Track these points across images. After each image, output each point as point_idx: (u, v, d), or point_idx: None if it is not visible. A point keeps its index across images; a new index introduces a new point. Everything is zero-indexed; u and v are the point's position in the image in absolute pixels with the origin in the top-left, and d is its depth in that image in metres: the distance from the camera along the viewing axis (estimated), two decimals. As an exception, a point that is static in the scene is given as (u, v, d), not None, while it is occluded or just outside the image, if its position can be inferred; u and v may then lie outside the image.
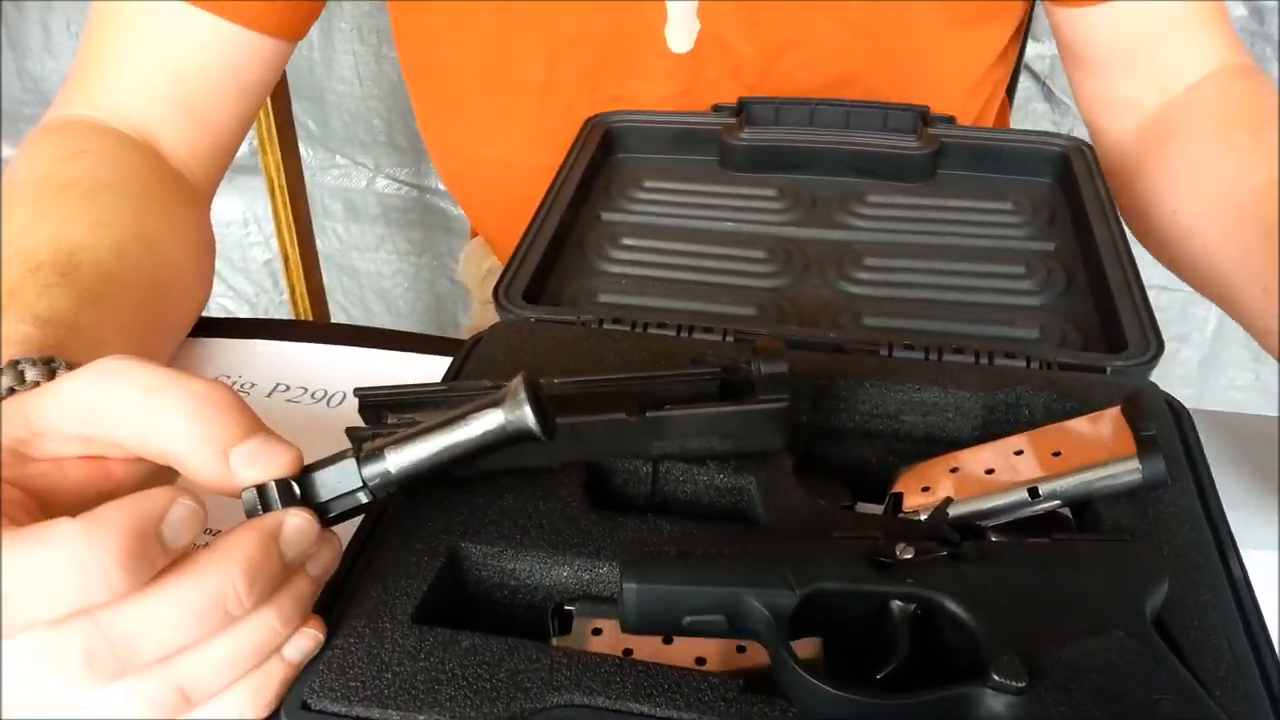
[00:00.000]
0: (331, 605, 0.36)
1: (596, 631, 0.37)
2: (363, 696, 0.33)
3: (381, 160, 1.55)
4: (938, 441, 0.46)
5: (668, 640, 0.37)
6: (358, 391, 0.40)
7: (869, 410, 0.47)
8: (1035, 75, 1.37)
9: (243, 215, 1.60)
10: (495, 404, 0.35)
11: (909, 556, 0.33)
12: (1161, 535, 0.38)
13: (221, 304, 1.72)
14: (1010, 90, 0.92)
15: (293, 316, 1.30)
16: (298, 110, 1.37)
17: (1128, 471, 0.38)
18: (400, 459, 0.35)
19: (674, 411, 0.39)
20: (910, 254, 0.60)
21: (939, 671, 0.31)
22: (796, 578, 0.32)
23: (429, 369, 0.57)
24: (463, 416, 0.35)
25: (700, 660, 0.36)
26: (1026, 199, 0.64)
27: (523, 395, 0.35)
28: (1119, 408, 0.40)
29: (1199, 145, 0.65)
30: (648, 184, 0.67)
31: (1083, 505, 0.40)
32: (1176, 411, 0.46)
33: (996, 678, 0.29)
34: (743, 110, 0.69)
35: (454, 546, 0.38)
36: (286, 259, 1.23)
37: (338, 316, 1.62)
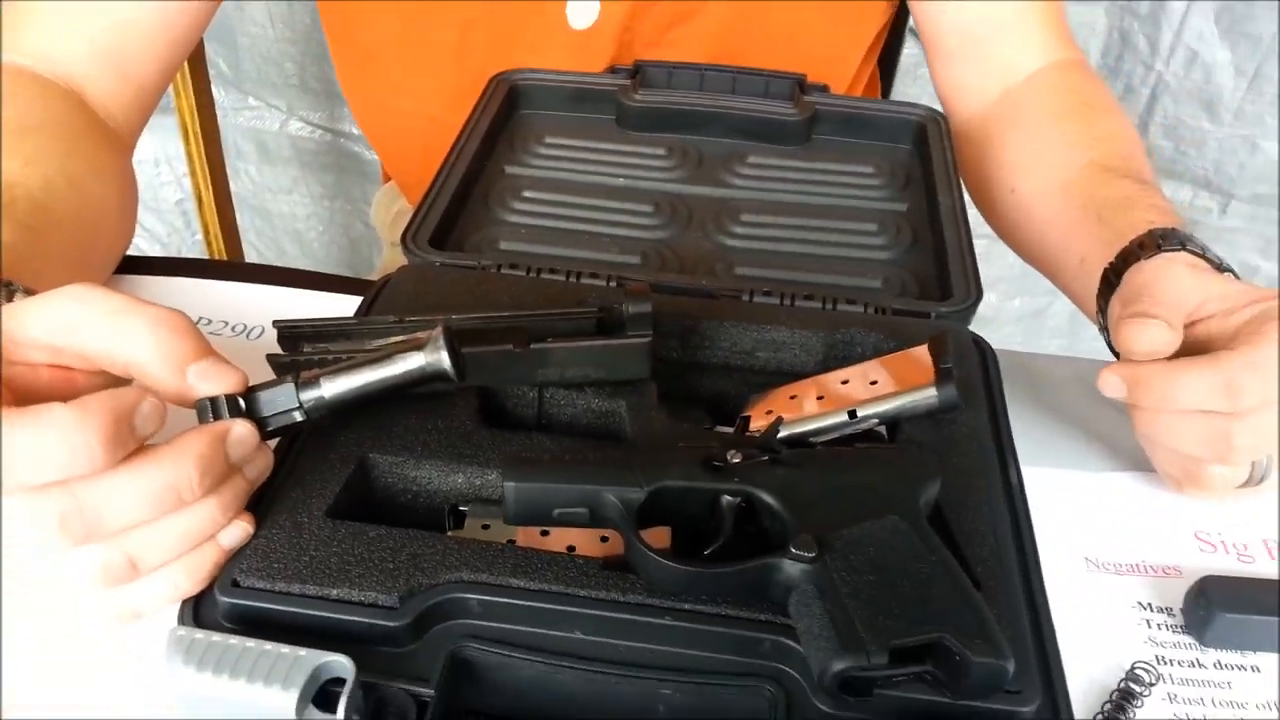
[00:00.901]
0: (258, 503, 0.42)
1: (485, 527, 0.44)
2: (284, 575, 0.39)
3: (294, 103, 1.56)
4: (786, 374, 0.54)
5: (544, 533, 0.44)
6: (276, 323, 0.46)
7: (729, 347, 0.54)
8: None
9: (154, 155, 1.60)
10: (418, 347, 0.42)
11: (737, 461, 0.41)
12: (951, 448, 0.47)
13: (135, 243, 1.72)
14: (891, 64, 1.00)
15: (207, 256, 1.32)
16: (210, 51, 1.38)
17: (927, 397, 0.47)
18: (334, 387, 0.42)
19: (554, 345, 0.46)
20: (782, 211, 0.68)
21: (759, 551, 0.39)
22: (645, 477, 0.40)
23: (341, 307, 0.63)
24: (389, 356, 0.42)
25: (571, 548, 0.43)
26: (886, 163, 0.72)
27: (441, 342, 0.41)
28: (926, 345, 0.48)
29: (1033, 131, 0.74)
30: (549, 140, 0.73)
31: (894, 424, 0.49)
32: (983, 350, 0.54)
33: (793, 550, 0.37)
34: (638, 72, 0.75)
35: (363, 456, 0.45)
36: (200, 200, 1.25)
37: (251, 258, 1.63)
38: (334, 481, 0.43)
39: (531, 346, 0.46)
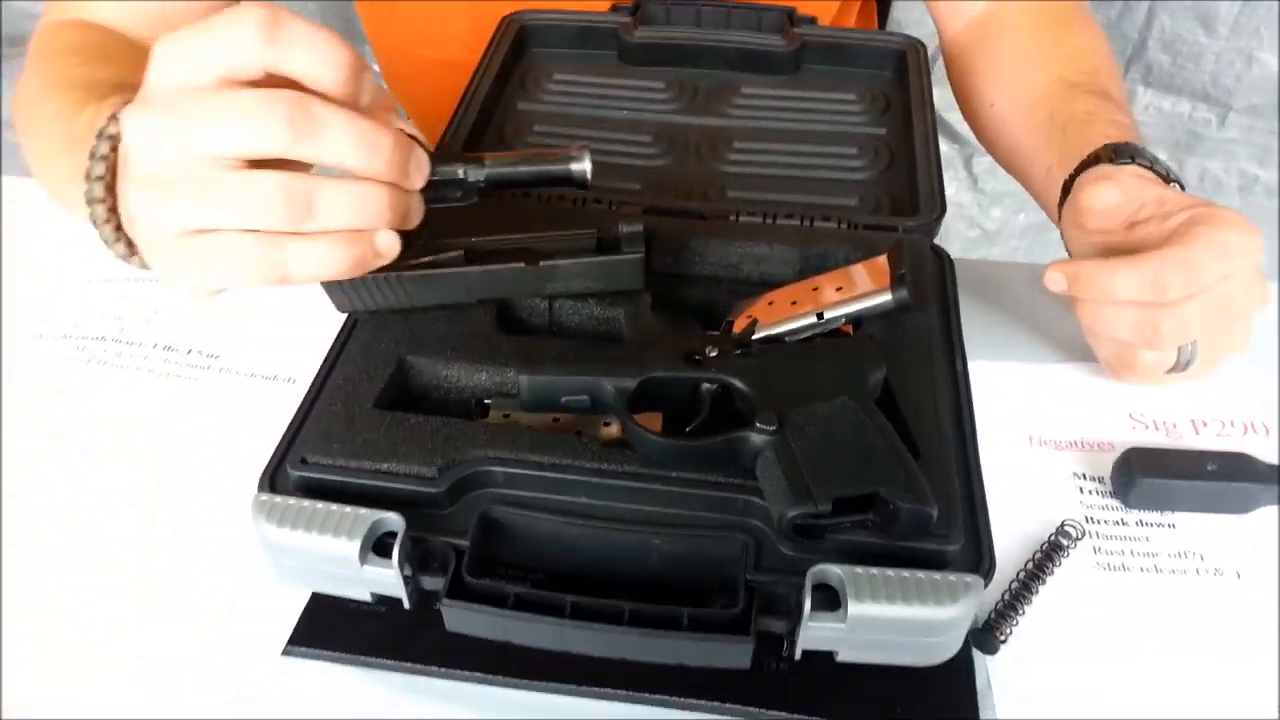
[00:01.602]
0: (317, 396, 0.51)
1: (506, 416, 0.52)
2: (342, 454, 0.48)
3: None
4: (766, 283, 0.61)
5: (555, 420, 0.52)
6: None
7: (716, 261, 0.62)
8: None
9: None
10: (565, 159, 0.50)
11: (714, 355, 0.49)
12: (905, 342, 0.54)
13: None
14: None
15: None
16: None
17: (884, 299, 0.54)
18: (495, 167, 0.50)
19: (560, 261, 0.54)
20: (771, 139, 0.74)
21: (733, 427, 0.47)
22: (636, 370, 0.48)
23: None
24: (540, 156, 0.51)
25: (578, 433, 0.51)
26: (869, 90, 0.78)
27: (587, 155, 0.50)
28: (885, 255, 0.56)
29: (1009, 48, 0.79)
30: (557, 77, 0.79)
31: (858, 323, 0.56)
32: (941, 258, 0.61)
33: (758, 424, 0.45)
34: (638, 9, 0.81)
35: (401, 358, 0.53)
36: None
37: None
38: (378, 379, 0.52)
39: (540, 264, 0.54)
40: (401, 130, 0.45)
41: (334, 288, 0.53)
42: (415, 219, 0.47)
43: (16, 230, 0.73)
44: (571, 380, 0.48)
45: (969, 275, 0.64)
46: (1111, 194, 0.58)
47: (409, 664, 0.46)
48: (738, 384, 0.48)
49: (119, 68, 0.62)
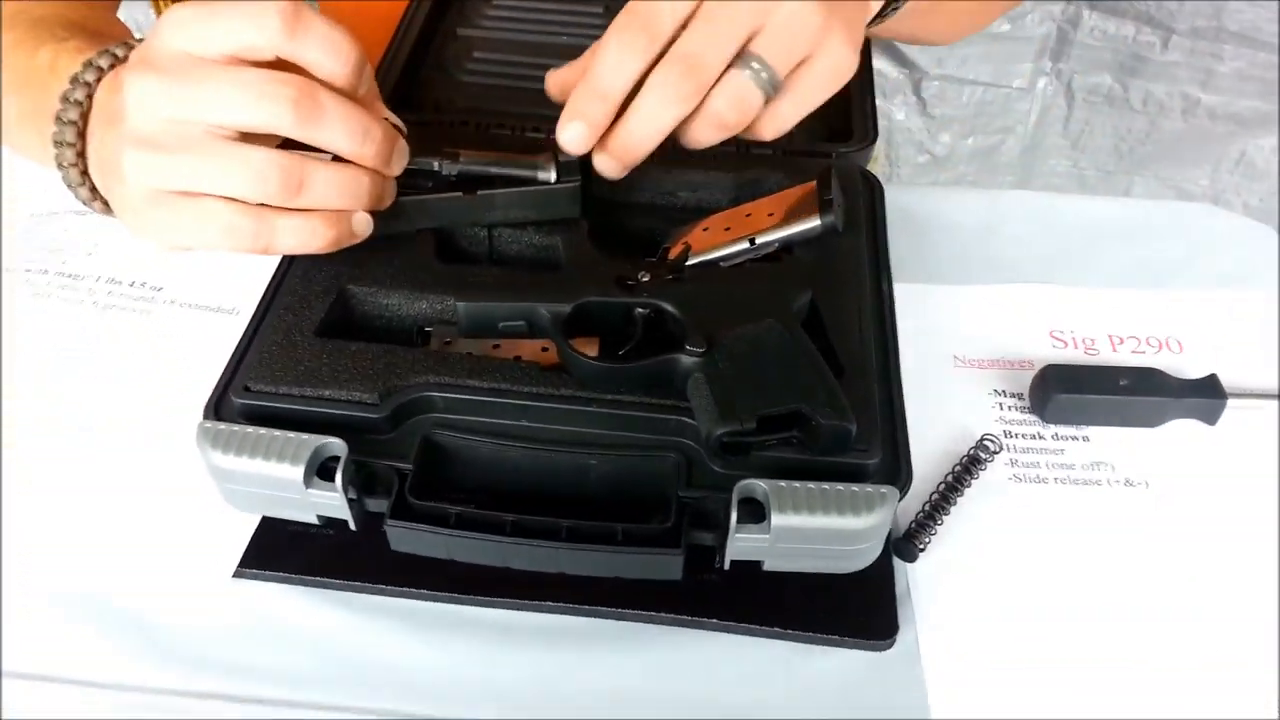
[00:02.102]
0: (259, 325, 0.52)
1: (447, 343, 0.54)
2: (285, 381, 0.49)
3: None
4: (702, 211, 0.62)
5: (495, 346, 0.53)
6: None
7: (653, 188, 0.63)
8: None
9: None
10: (533, 165, 0.54)
11: (646, 280, 0.50)
12: (832, 265, 0.56)
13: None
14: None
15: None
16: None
17: (812, 225, 0.56)
18: (467, 165, 0.54)
19: (497, 190, 0.55)
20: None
21: (665, 350, 0.49)
22: (570, 295, 0.49)
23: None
24: (512, 161, 0.54)
25: (517, 358, 0.53)
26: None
27: (552, 166, 0.54)
28: (814, 181, 0.57)
29: None
30: (496, 2, 0.79)
31: (789, 248, 0.57)
32: (870, 184, 0.63)
33: (688, 346, 0.47)
34: (574, -69, 0.80)
35: (343, 287, 0.54)
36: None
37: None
38: (319, 308, 0.53)
39: (478, 193, 0.54)
40: (387, 120, 0.50)
41: None
42: (388, 202, 0.52)
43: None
44: (508, 306, 0.49)
45: (902, 201, 0.66)
46: None
47: (357, 583, 0.48)
48: (669, 308, 0.49)
49: (67, 7, 0.61)
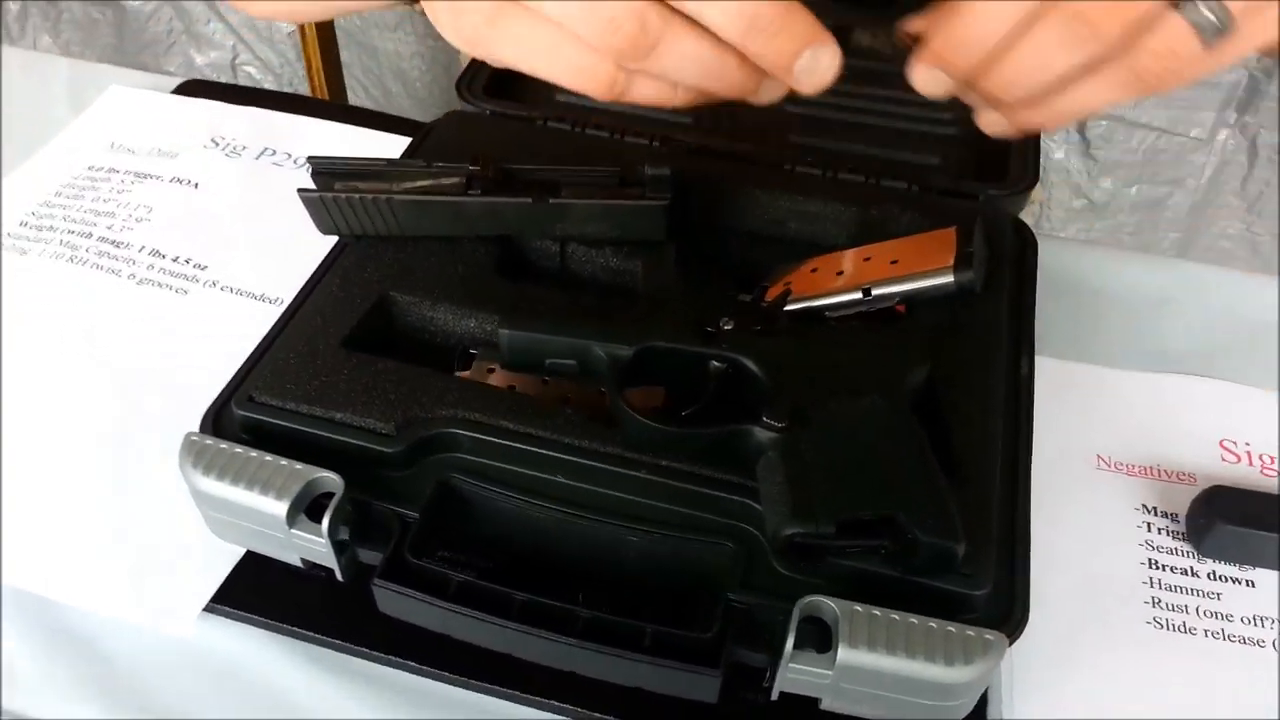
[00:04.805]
0: (284, 327, 0.45)
1: (490, 371, 0.46)
2: (294, 396, 0.42)
3: (404, -64, 1.55)
4: (815, 247, 0.53)
5: (544, 382, 0.46)
6: (311, 159, 0.48)
7: (761, 215, 0.54)
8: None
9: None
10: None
11: (729, 328, 0.41)
12: (962, 333, 0.46)
13: (248, 72, 1.77)
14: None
15: (309, 92, 1.35)
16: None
17: (943, 280, 0.46)
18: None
19: (570, 200, 0.47)
20: (853, 78, 0.65)
21: (740, 416, 0.40)
22: (635, 336, 0.41)
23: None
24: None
25: (566, 399, 0.45)
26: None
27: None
28: (955, 228, 0.47)
29: None
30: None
31: (911, 305, 0.48)
32: (1023, 236, 0.53)
33: (765, 418, 0.38)
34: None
35: (384, 293, 0.47)
36: (304, 33, 1.27)
37: (355, 95, 1.66)
38: (353, 314, 0.46)
39: (549, 200, 0.47)
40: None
41: (316, 204, 0.47)
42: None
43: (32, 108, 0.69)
44: (559, 341, 0.41)
45: (1055, 256, 0.56)
46: None
47: (337, 642, 0.41)
48: (750, 365, 0.40)
49: None
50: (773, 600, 0.37)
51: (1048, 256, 0.53)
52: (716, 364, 0.41)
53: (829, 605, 0.35)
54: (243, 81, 1.73)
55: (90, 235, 0.58)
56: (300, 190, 0.47)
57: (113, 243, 0.58)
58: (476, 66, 0.62)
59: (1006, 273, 0.49)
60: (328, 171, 0.48)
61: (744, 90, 0.40)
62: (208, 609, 0.42)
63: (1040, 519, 0.41)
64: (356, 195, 0.47)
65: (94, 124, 0.67)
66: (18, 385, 0.51)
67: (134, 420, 0.50)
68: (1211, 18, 0.35)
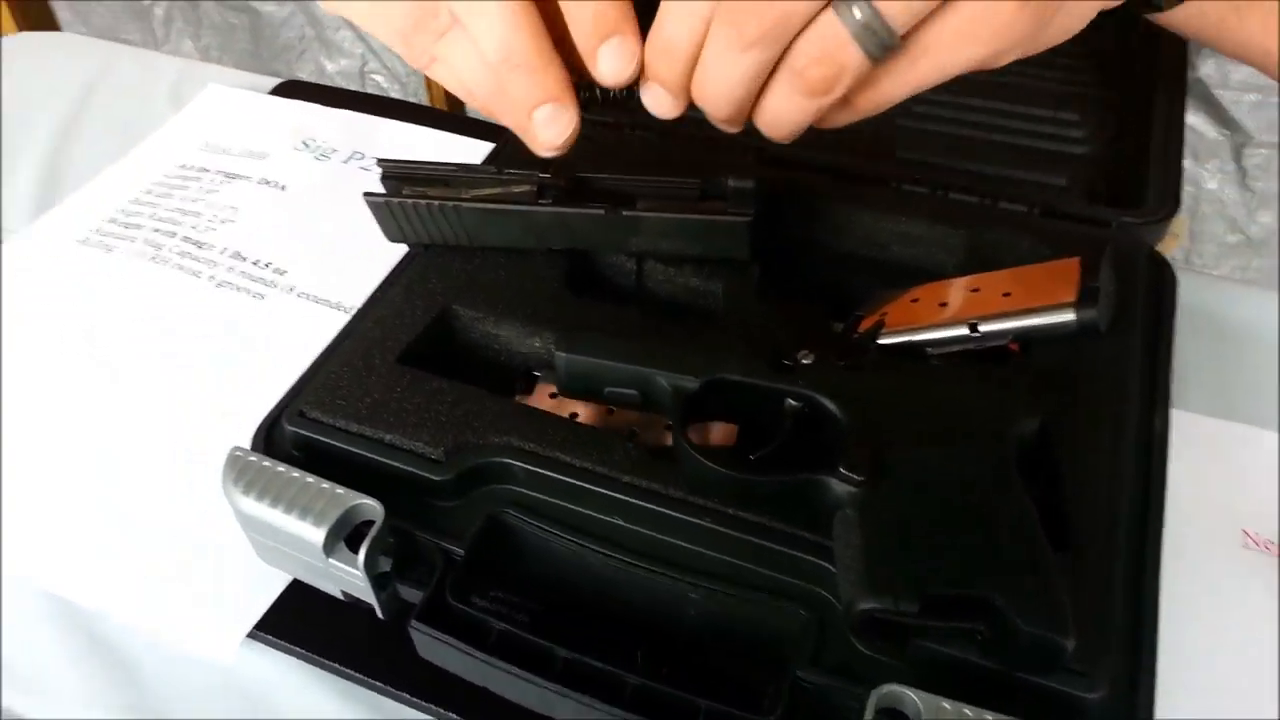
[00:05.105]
0: (344, 339, 0.43)
1: (553, 395, 0.43)
2: (344, 413, 0.40)
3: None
4: (920, 274, 0.48)
5: (610, 411, 0.42)
6: (381, 162, 0.46)
7: (861, 236, 0.49)
8: None
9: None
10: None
11: (808, 362, 0.37)
12: (1085, 379, 0.40)
13: (375, 80, 1.80)
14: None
15: (426, 100, 1.35)
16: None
17: (1063, 318, 0.40)
18: None
19: (644, 212, 0.43)
20: (970, 91, 0.59)
21: (816, 462, 0.35)
22: (703, 366, 0.37)
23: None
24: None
25: (633, 431, 0.41)
26: (1105, 40, 0.61)
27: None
28: (1079, 258, 0.42)
29: None
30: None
31: (1026, 345, 0.42)
32: (1160, 271, 0.46)
33: (842, 469, 0.33)
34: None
35: (447, 306, 0.44)
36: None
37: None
38: (412, 327, 0.43)
39: (622, 212, 0.43)
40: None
41: (381, 209, 0.45)
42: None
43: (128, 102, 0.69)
44: (620, 369, 0.38)
45: (1199, 295, 0.49)
46: None
47: (376, 682, 0.38)
48: (829, 405, 0.36)
49: None
50: (846, 683, 0.33)
51: (1190, 295, 0.46)
52: (792, 403, 0.37)
53: (911, 698, 0.30)
54: (370, 90, 1.76)
55: (174, 235, 0.58)
56: (366, 194, 0.45)
57: (196, 243, 0.58)
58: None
59: (1139, 312, 0.43)
60: (398, 176, 0.46)
61: (516, 127, 0.38)
62: (251, 634, 0.40)
63: (1172, 606, 0.35)
64: (422, 201, 0.44)
65: (189, 123, 0.67)
66: (88, 387, 0.51)
67: (201, 428, 0.49)
68: (859, 15, 0.32)
